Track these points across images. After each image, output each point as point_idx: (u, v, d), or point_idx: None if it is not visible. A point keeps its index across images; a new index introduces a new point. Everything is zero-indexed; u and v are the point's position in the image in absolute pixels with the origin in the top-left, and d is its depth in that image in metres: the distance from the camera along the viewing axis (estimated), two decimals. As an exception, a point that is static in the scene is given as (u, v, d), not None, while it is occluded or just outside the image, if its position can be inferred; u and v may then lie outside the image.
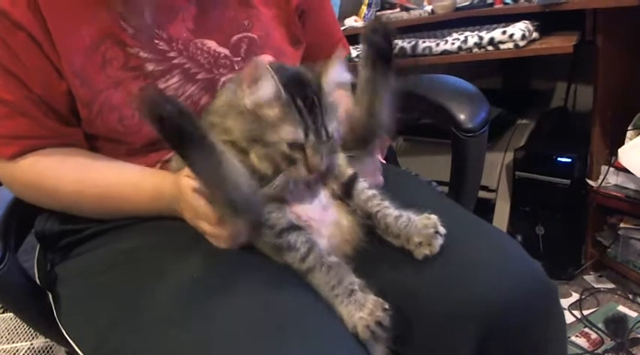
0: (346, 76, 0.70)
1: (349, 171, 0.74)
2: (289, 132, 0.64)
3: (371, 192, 0.73)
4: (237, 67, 0.85)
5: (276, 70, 0.64)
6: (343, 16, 2.17)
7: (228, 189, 0.62)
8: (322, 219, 0.72)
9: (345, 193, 0.74)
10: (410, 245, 0.70)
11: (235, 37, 0.85)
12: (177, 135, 0.57)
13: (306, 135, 0.64)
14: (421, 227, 0.69)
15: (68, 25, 0.75)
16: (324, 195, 0.73)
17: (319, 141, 0.65)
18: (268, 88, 0.64)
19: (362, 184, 0.74)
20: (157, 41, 0.79)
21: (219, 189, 0.62)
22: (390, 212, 0.71)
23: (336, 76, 0.68)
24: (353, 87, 0.75)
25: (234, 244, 0.70)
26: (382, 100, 0.72)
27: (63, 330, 0.80)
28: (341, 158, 0.74)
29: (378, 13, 2.12)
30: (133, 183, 0.77)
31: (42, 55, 0.74)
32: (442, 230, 0.69)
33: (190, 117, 0.58)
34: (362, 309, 0.63)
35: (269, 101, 0.64)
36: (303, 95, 0.65)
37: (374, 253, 0.73)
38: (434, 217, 0.70)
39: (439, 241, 0.69)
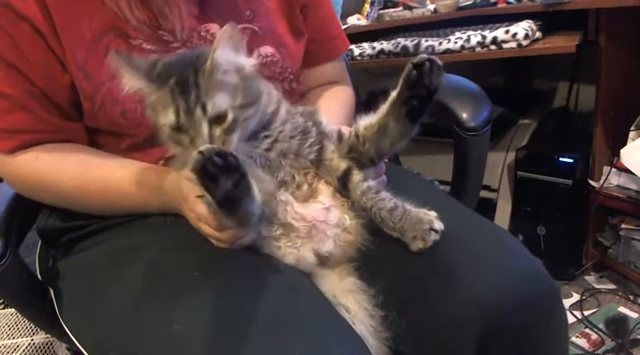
0: (236, 55, 0.65)
1: (343, 165, 0.73)
2: (162, 115, 0.63)
3: (366, 185, 0.72)
4: None
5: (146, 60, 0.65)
6: (346, 14, 2.17)
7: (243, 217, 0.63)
8: (326, 220, 0.72)
9: (342, 187, 0.73)
10: (405, 238, 0.70)
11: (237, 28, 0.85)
12: (226, 201, 0.58)
13: (178, 115, 0.62)
14: (415, 221, 0.69)
15: (72, 18, 0.74)
16: (326, 197, 0.73)
17: (192, 119, 0.61)
18: (130, 78, 0.64)
19: (357, 177, 0.72)
20: (160, 32, 0.79)
21: (236, 217, 0.63)
22: (384, 205, 0.70)
23: (224, 53, 0.63)
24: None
25: (235, 246, 0.69)
26: (394, 143, 0.72)
27: (65, 326, 0.80)
28: (330, 151, 0.73)
29: (381, 12, 2.12)
30: (135, 180, 0.77)
31: (46, 47, 0.74)
32: (438, 226, 0.69)
33: (245, 182, 0.58)
34: None
35: (140, 89, 0.64)
36: (176, 78, 0.62)
37: (377, 253, 0.73)
38: (432, 214, 0.70)
39: (433, 236, 0.69)
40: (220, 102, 0.62)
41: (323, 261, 0.73)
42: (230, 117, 0.63)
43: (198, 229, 0.70)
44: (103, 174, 0.78)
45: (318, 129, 0.75)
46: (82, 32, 0.75)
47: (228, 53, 0.63)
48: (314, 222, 0.71)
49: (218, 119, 0.62)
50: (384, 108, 0.70)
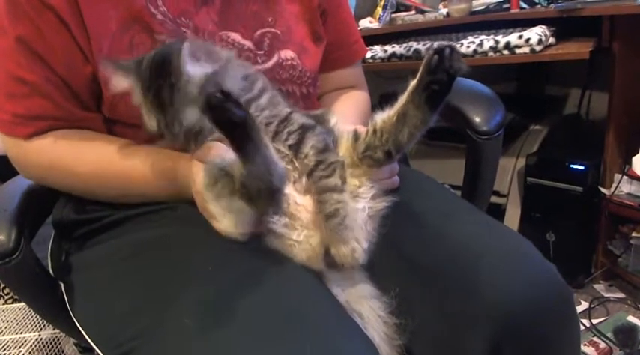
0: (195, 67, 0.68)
1: (312, 163, 0.71)
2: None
3: (322, 182, 0.70)
4: (259, 61, 0.85)
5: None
6: (358, 17, 2.17)
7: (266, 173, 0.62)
8: None
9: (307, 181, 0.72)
10: (330, 244, 0.68)
11: (259, 32, 0.86)
12: (237, 133, 0.59)
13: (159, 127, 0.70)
14: (343, 240, 0.67)
15: (99, 8, 0.75)
16: None
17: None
18: (121, 79, 0.70)
19: (318, 173, 0.71)
20: (183, 29, 0.79)
21: (259, 172, 0.62)
22: (323, 208, 0.68)
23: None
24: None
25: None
26: (412, 132, 0.71)
27: (76, 321, 0.80)
28: (308, 146, 0.72)
29: (393, 15, 2.12)
30: (149, 165, 0.76)
31: (69, 36, 0.75)
32: (360, 259, 0.68)
33: (249, 115, 0.59)
34: None
35: (129, 88, 0.70)
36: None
37: (389, 254, 0.72)
38: (362, 246, 0.68)
39: (351, 263, 0.68)
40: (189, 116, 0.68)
41: (333, 258, 0.72)
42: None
43: (204, 213, 0.69)
44: (118, 159, 0.78)
45: (325, 127, 0.75)
46: (108, 22, 0.76)
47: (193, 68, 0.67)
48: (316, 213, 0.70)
49: None
50: (403, 97, 0.70)
